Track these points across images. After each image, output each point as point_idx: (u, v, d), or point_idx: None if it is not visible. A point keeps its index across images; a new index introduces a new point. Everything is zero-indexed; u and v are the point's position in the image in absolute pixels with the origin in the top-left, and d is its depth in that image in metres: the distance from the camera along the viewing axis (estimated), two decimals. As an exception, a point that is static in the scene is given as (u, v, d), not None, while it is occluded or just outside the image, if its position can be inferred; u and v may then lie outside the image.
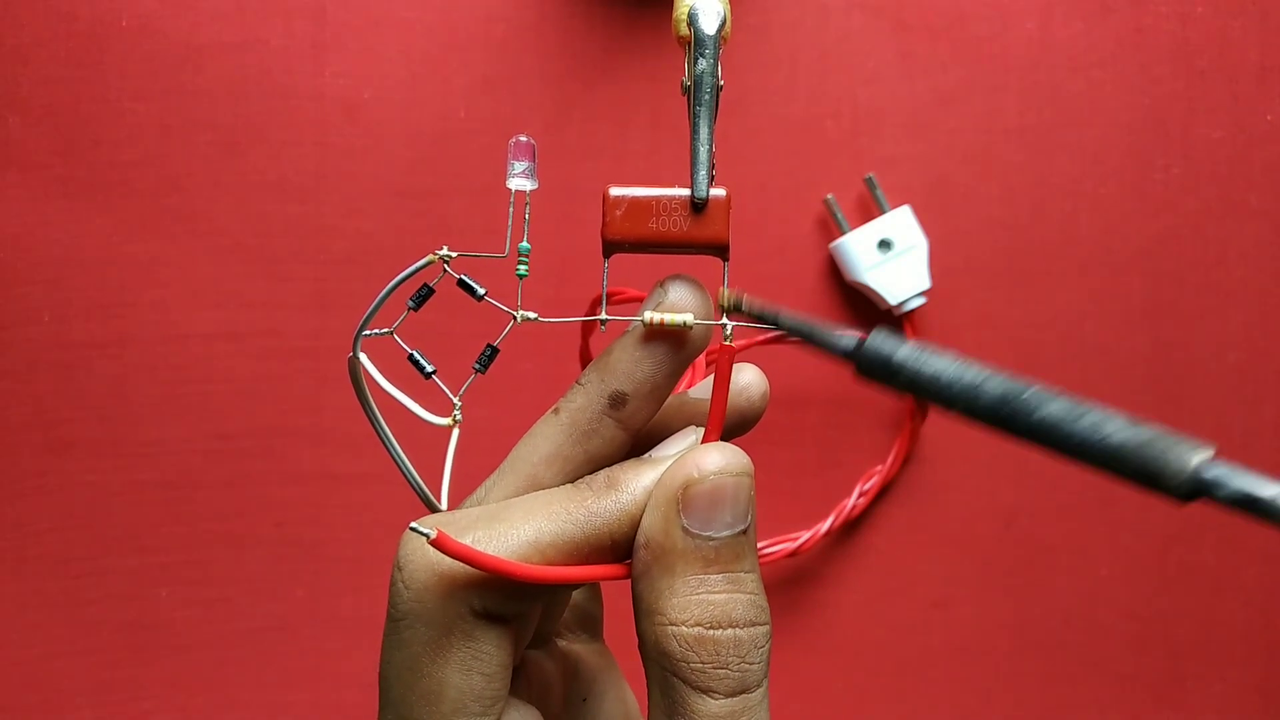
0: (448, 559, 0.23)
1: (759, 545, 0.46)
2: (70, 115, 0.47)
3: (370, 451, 0.47)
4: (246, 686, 0.48)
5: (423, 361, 0.27)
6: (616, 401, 0.25)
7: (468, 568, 0.23)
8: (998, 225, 0.48)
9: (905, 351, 0.23)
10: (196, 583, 0.47)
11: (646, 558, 0.24)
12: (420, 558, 0.24)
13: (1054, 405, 0.21)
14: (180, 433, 0.47)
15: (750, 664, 0.23)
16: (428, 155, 0.47)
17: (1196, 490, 0.19)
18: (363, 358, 0.26)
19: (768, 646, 0.24)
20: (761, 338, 0.45)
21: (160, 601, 0.47)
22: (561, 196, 0.47)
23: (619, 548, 0.24)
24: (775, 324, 0.25)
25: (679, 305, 0.25)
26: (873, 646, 0.48)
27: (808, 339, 0.25)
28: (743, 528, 0.24)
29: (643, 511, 0.24)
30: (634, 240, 0.26)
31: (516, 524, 0.24)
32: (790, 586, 0.48)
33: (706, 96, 0.26)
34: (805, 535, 0.46)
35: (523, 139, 0.26)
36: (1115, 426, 0.20)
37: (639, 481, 0.24)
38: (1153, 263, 0.48)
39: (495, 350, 0.27)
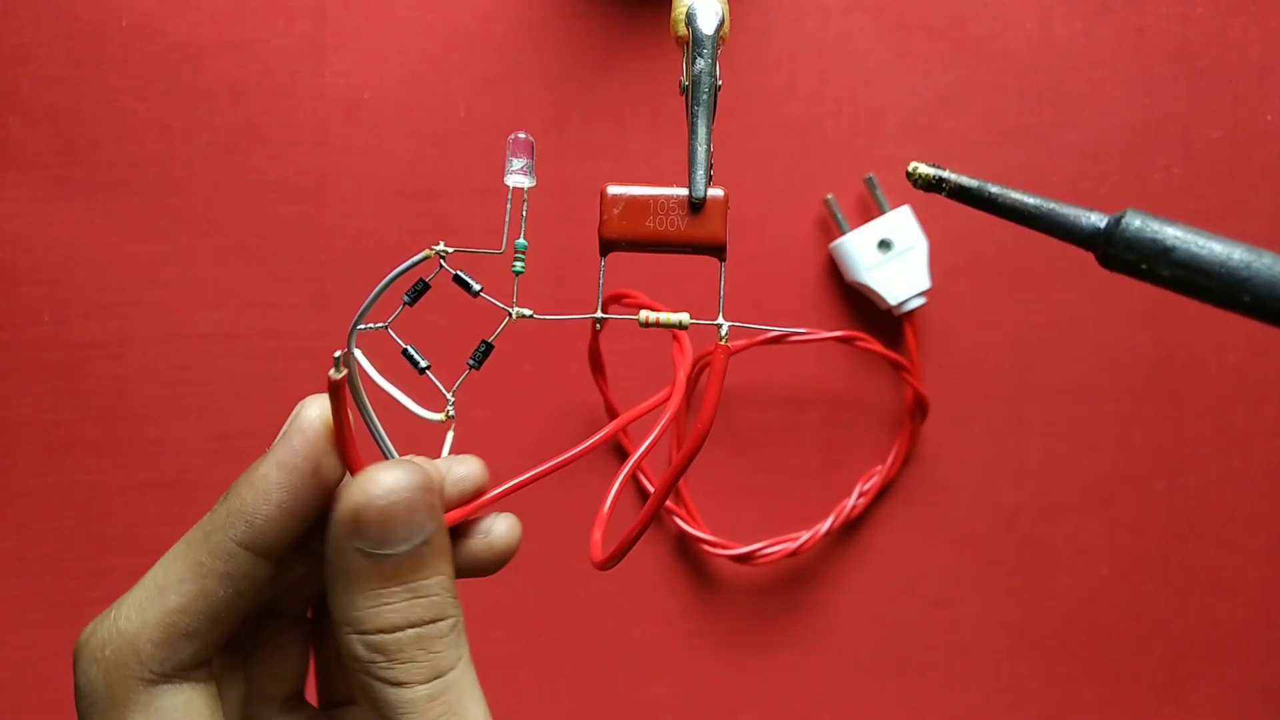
0: (111, 637, 0.23)
1: (760, 546, 0.46)
2: (70, 115, 0.47)
3: (369, 452, 0.47)
4: (246, 686, 0.48)
5: (416, 357, 0.27)
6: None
7: (127, 636, 0.23)
8: (998, 225, 0.48)
9: (1176, 232, 0.20)
10: (196, 582, 0.47)
11: (330, 574, 0.24)
12: (86, 647, 0.24)
13: None
14: (180, 433, 0.47)
15: (436, 652, 0.24)
16: (428, 155, 0.47)
17: None
18: (357, 353, 0.26)
19: (454, 634, 0.25)
20: (761, 338, 0.45)
21: (160, 601, 0.47)
22: (561, 196, 0.47)
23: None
24: (991, 204, 0.22)
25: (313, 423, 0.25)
26: (873, 646, 0.48)
27: (1036, 222, 0.21)
28: (422, 539, 0.24)
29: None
30: (631, 239, 0.25)
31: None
32: (790, 586, 0.48)
33: (704, 96, 0.26)
34: (805, 535, 0.46)
35: (521, 136, 0.26)
36: None
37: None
38: (1153, 263, 0.48)
39: (490, 346, 0.27)
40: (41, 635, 0.47)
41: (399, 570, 0.24)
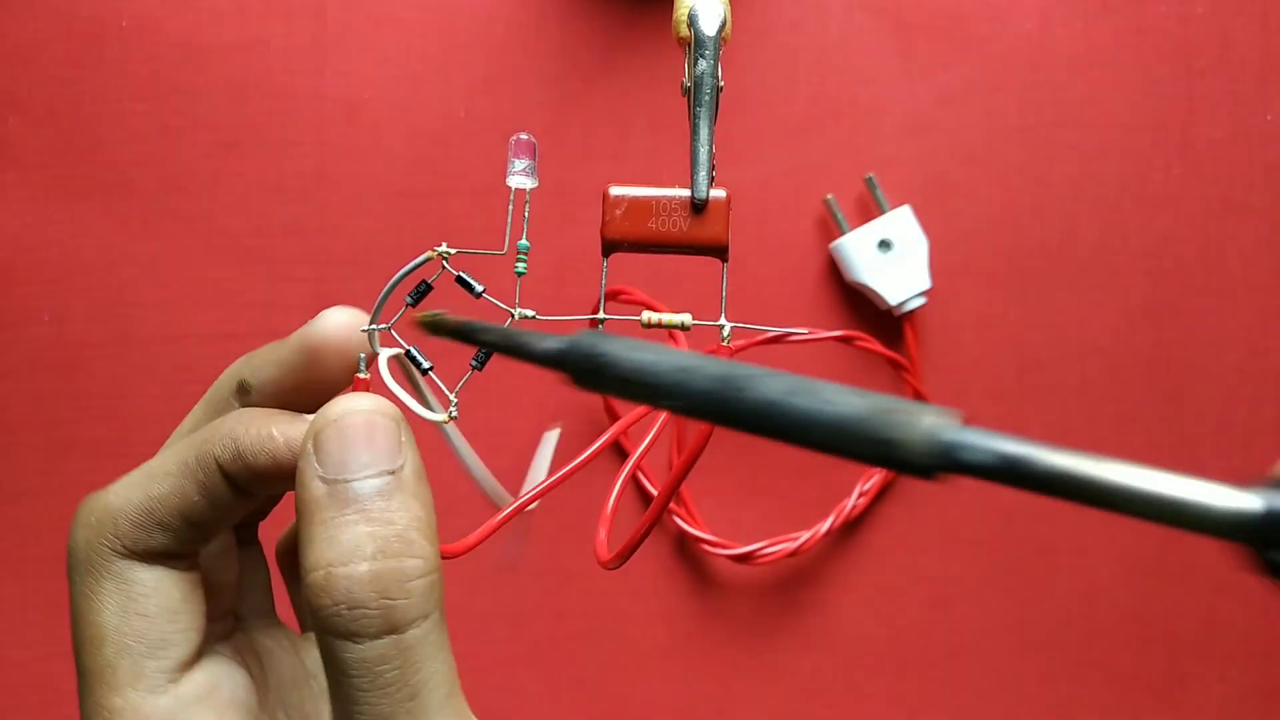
0: (99, 507, 0.24)
1: (760, 546, 0.46)
2: (70, 115, 0.47)
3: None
4: (246, 686, 0.48)
5: (419, 358, 0.27)
6: (242, 389, 0.26)
7: (110, 509, 0.24)
8: (998, 225, 0.48)
9: (613, 346, 0.20)
10: (196, 583, 0.47)
11: (298, 513, 0.22)
12: (80, 513, 0.24)
13: (771, 382, 0.18)
14: (180, 433, 0.47)
15: (394, 599, 0.21)
16: (428, 155, 0.47)
17: (941, 457, 0.16)
18: (382, 353, 0.26)
19: (424, 581, 0.21)
20: (761, 338, 0.45)
21: (160, 601, 0.47)
22: (561, 196, 0.47)
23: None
24: (474, 339, 0.24)
25: (328, 326, 0.25)
26: (873, 646, 0.48)
27: (510, 352, 0.22)
28: (389, 469, 0.22)
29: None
30: (633, 240, 0.25)
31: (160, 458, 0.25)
32: (790, 586, 0.48)
33: (706, 97, 0.26)
34: (805, 535, 0.46)
35: (523, 137, 0.26)
36: (841, 398, 0.17)
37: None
38: (1153, 263, 0.48)
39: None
40: (41, 635, 0.47)
41: (359, 497, 0.21)
